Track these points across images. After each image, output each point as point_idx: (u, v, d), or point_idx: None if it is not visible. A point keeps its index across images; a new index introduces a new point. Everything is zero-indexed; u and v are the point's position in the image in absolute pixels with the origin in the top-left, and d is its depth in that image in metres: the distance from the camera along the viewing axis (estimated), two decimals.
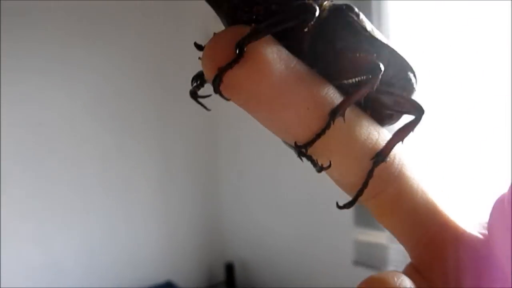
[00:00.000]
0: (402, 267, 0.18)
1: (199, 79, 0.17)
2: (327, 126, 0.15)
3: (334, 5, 0.17)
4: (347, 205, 0.17)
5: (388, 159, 0.17)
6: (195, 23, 1.53)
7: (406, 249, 0.18)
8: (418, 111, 0.18)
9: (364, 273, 0.16)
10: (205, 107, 0.18)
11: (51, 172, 1.54)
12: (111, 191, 1.66)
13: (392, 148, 0.17)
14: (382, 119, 0.18)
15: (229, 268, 1.76)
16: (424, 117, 0.18)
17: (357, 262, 1.31)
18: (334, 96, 0.16)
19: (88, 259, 1.59)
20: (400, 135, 0.17)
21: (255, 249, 1.73)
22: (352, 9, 0.17)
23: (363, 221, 1.21)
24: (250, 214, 1.76)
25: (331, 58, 0.16)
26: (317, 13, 0.15)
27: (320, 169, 0.16)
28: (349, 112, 0.16)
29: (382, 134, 0.17)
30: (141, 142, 1.73)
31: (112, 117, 1.66)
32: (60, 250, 1.55)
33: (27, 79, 1.49)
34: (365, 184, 0.16)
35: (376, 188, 0.17)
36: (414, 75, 0.19)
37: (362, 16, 0.17)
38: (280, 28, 0.14)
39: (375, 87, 0.16)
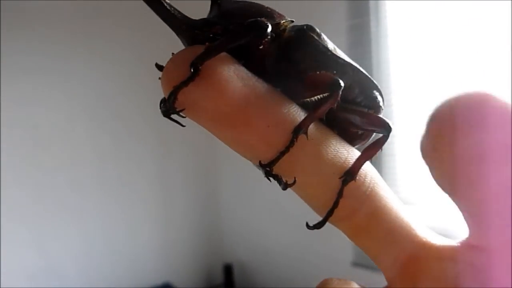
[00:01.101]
0: None
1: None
2: (290, 144, 0.15)
3: (295, 26, 0.17)
4: (317, 226, 0.17)
5: (358, 177, 0.16)
6: None
7: (381, 269, 0.18)
8: (385, 128, 0.18)
9: (363, 274, 0.16)
10: (180, 124, 0.17)
11: (49, 174, 1.54)
12: (109, 193, 1.65)
13: (361, 166, 0.16)
14: (352, 139, 0.18)
15: (228, 270, 1.76)
16: (391, 134, 0.18)
17: (356, 264, 1.31)
18: (297, 114, 0.15)
19: (86, 262, 1.58)
20: (368, 153, 0.17)
21: (253, 251, 1.73)
22: (313, 29, 0.17)
23: None
24: (248, 216, 1.75)
25: (293, 77, 0.16)
26: (269, 29, 0.15)
27: (284, 186, 0.15)
28: (315, 130, 0.16)
29: (352, 153, 0.17)
30: (140, 144, 1.72)
31: (110, 119, 1.66)
32: (58, 253, 1.54)
33: (24, 80, 1.48)
34: (335, 204, 0.16)
35: (348, 208, 0.17)
36: (380, 94, 0.19)
37: (323, 36, 0.17)
38: (233, 45, 0.14)
39: (335, 103, 0.16)
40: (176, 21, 0.15)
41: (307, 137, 0.15)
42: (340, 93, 0.15)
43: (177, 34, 0.16)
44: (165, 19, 0.15)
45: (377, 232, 0.17)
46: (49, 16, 1.52)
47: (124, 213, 1.68)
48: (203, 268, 1.84)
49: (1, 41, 1.42)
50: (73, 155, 1.59)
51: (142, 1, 0.15)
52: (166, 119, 0.15)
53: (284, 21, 0.17)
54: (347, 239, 0.17)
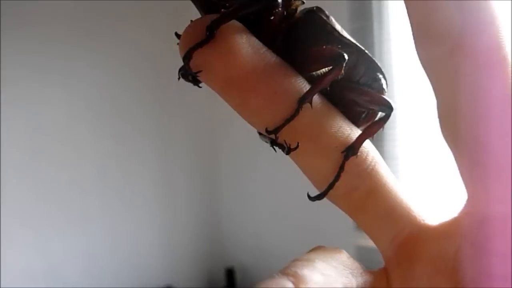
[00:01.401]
0: None
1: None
2: (296, 112, 0.15)
3: (305, 8, 0.18)
4: (318, 197, 0.17)
5: (360, 154, 0.17)
6: None
7: (379, 249, 0.18)
8: (387, 107, 0.18)
9: None
10: (197, 85, 0.17)
11: (49, 177, 1.54)
12: (110, 196, 1.65)
13: (362, 142, 0.17)
14: (356, 119, 0.18)
15: (230, 273, 1.76)
16: (392, 113, 0.19)
17: None
18: (302, 85, 0.16)
19: (87, 265, 1.58)
20: (370, 130, 0.18)
21: (255, 254, 1.72)
22: (322, 11, 0.18)
23: None
24: (250, 219, 1.75)
25: (301, 52, 0.17)
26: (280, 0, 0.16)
27: (288, 151, 0.16)
28: (321, 104, 0.16)
29: (355, 131, 0.17)
30: (141, 146, 1.72)
31: (111, 121, 1.66)
32: (60, 256, 1.54)
33: (25, 79, 1.49)
34: (336, 177, 0.17)
35: (349, 184, 0.17)
36: (384, 77, 0.20)
37: (332, 18, 0.18)
38: (247, 11, 0.15)
39: (339, 75, 0.16)
40: None
41: (311, 106, 0.16)
42: (344, 65, 0.16)
43: (194, 3, 0.17)
44: None
45: (376, 210, 0.17)
46: (50, 14, 1.53)
47: (126, 216, 1.68)
48: (205, 271, 1.84)
49: (1, 40, 1.42)
50: (75, 155, 1.59)
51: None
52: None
53: (296, 0, 0.17)
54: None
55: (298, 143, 0.16)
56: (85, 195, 1.60)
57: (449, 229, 0.17)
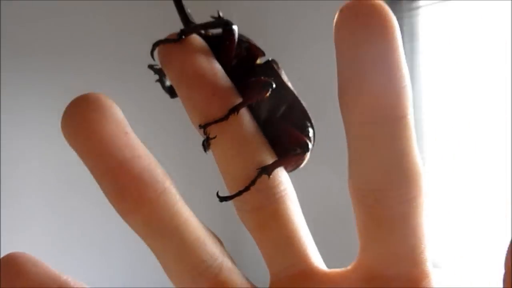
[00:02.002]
0: None
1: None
2: (225, 117, 0.17)
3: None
4: (225, 198, 0.19)
5: (272, 179, 0.18)
6: None
7: (270, 273, 0.19)
8: (302, 146, 0.20)
9: None
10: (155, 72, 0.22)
11: (76, 211, 1.57)
12: (132, 235, 1.66)
13: (277, 167, 0.18)
14: (280, 150, 0.20)
15: None
16: (307, 153, 0.20)
17: None
18: (237, 100, 0.18)
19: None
20: (286, 159, 0.19)
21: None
22: (276, 62, 0.21)
23: None
24: None
25: (242, 80, 0.20)
26: (235, 27, 0.19)
27: (207, 140, 0.18)
28: (250, 122, 0.18)
29: (273, 156, 0.19)
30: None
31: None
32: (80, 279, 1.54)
33: (55, 119, 1.54)
34: (246, 188, 0.18)
35: (256, 201, 0.18)
36: (312, 127, 0.21)
37: (282, 70, 0.21)
38: (209, 28, 0.19)
39: (264, 96, 0.19)
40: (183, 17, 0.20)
41: (237, 114, 0.18)
42: (270, 90, 0.19)
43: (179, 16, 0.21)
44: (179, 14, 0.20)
45: (276, 236, 0.18)
46: (84, 53, 1.60)
47: (150, 255, 1.68)
48: None
49: (36, 80, 1.49)
50: (101, 193, 1.61)
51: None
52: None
53: (259, 54, 0.21)
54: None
55: (216, 136, 0.18)
56: (110, 231, 1.62)
57: (337, 279, 0.18)
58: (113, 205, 0.17)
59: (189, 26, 0.19)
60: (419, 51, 1.30)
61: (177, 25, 0.18)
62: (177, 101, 0.18)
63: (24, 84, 1.51)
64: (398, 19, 0.14)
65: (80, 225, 1.58)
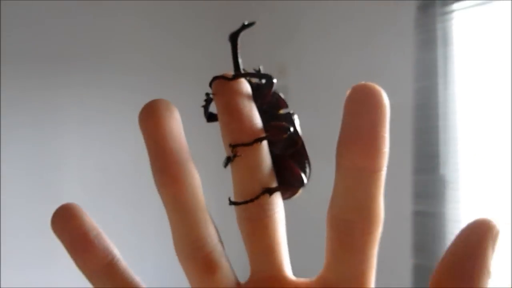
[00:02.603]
0: None
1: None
2: (250, 143, 0.22)
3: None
4: (234, 203, 0.23)
5: (272, 199, 0.23)
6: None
7: (250, 268, 0.24)
8: (299, 182, 0.25)
9: None
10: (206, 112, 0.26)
11: (112, 215, 1.60)
12: (170, 237, 1.68)
13: (276, 191, 0.23)
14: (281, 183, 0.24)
15: None
16: (301, 189, 0.25)
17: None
18: (262, 131, 0.23)
19: None
20: (284, 188, 0.24)
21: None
22: (294, 114, 0.26)
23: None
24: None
25: (268, 121, 0.24)
26: (275, 81, 0.25)
27: (233, 157, 0.22)
28: (266, 152, 0.23)
29: (276, 183, 0.23)
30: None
31: None
32: None
33: (100, 122, 1.58)
34: (251, 200, 0.22)
35: (255, 212, 0.23)
36: (309, 168, 0.26)
37: (297, 120, 0.26)
38: (255, 77, 0.25)
39: (283, 136, 0.24)
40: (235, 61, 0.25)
41: (260, 143, 0.22)
42: (288, 133, 0.24)
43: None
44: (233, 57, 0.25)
45: (261, 243, 0.23)
46: (125, 64, 1.64)
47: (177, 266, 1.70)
48: None
49: (77, 88, 1.53)
50: (137, 199, 1.64)
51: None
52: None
53: (284, 106, 0.26)
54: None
55: (237, 154, 0.22)
56: (145, 235, 1.64)
57: (301, 286, 0.23)
58: (155, 179, 0.22)
59: (239, 71, 0.24)
60: (452, 56, 1.28)
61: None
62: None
63: (63, 88, 1.56)
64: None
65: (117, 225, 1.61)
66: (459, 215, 1.24)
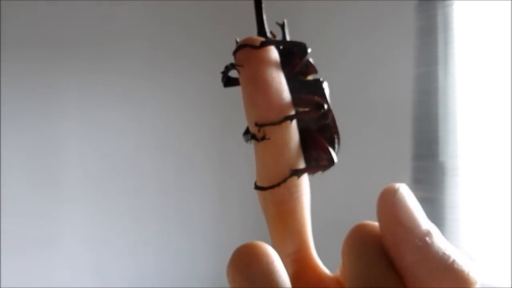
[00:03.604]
0: None
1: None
2: (278, 122, 0.20)
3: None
4: (261, 188, 0.22)
5: (299, 182, 0.22)
6: None
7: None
8: (329, 159, 0.23)
9: None
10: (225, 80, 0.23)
11: (112, 202, 1.60)
12: (168, 224, 1.69)
13: (304, 172, 0.22)
14: (310, 158, 0.23)
15: None
16: (331, 166, 0.23)
17: None
18: (291, 107, 0.21)
19: None
20: (312, 168, 0.23)
21: None
22: (324, 81, 0.24)
23: None
24: None
25: (298, 92, 0.22)
26: (309, 50, 0.22)
27: (262, 138, 0.21)
28: (295, 132, 0.21)
29: (303, 163, 0.22)
30: (200, 179, 1.77)
31: (175, 153, 1.72)
32: (115, 280, 1.58)
33: (101, 110, 1.58)
34: (279, 183, 0.21)
35: (282, 195, 0.22)
36: (338, 142, 0.24)
37: (327, 85, 0.23)
38: (286, 46, 0.22)
39: (315, 115, 0.22)
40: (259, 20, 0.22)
41: (291, 123, 0.21)
42: (322, 111, 0.22)
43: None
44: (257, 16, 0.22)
45: (288, 227, 0.22)
46: (119, 51, 1.63)
47: (183, 245, 1.72)
48: None
49: (77, 74, 1.53)
50: (137, 185, 1.65)
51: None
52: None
53: (313, 71, 0.24)
54: None
55: (270, 138, 0.21)
56: (144, 222, 1.65)
57: (330, 282, 0.22)
58: None
59: (265, 34, 0.22)
60: (453, 42, 1.27)
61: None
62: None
63: (64, 74, 1.56)
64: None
65: (118, 215, 1.62)
66: (458, 202, 1.25)
